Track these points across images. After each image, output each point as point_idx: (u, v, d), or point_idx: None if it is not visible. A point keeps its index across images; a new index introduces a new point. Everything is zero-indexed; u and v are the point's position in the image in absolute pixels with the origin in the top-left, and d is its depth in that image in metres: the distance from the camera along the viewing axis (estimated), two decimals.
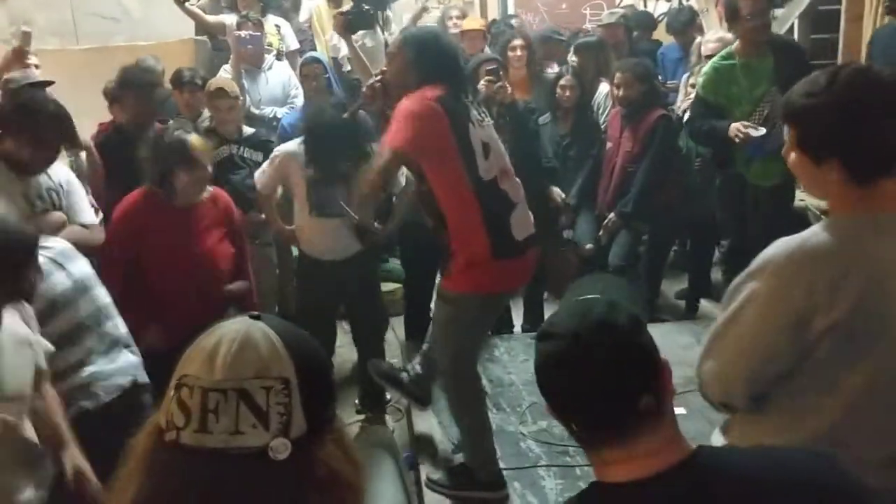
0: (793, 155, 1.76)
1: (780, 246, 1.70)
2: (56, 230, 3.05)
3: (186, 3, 5.49)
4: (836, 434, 1.67)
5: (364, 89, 3.15)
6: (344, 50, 5.56)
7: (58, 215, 3.15)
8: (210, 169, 3.45)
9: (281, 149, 3.92)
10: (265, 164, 3.95)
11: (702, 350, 1.81)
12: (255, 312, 1.10)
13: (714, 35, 4.95)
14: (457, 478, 3.20)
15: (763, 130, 4.07)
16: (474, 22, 5.73)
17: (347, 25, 3.78)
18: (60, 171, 3.25)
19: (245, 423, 1.00)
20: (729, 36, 4.72)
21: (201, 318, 3.05)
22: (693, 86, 4.66)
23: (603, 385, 1.21)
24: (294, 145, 3.86)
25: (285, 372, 1.03)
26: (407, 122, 2.78)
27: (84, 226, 3.24)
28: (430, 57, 2.90)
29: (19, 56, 4.18)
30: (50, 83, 3.89)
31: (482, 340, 3.39)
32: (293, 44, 5.65)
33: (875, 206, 1.67)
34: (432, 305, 4.01)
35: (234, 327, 1.06)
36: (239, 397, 1.01)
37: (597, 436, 1.25)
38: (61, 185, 3.20)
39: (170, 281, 3.35)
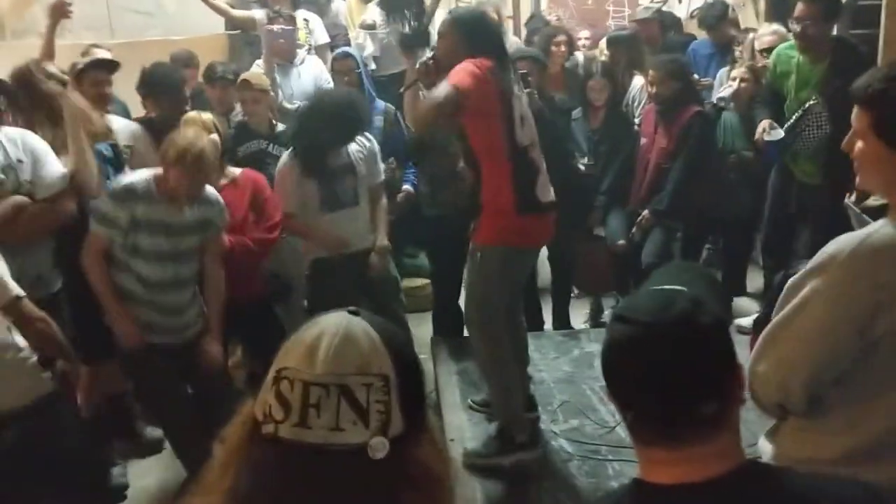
0: (860, 143, 1.70)
1: (843, 242, 1.65)
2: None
3: None
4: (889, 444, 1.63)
5: (417, 66, 3.29)
6: (369, 48, 5.55)
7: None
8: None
9: (280, 166, 3.97)
10: (278, 187, 3.95)
11: (756, 349, 1.75)
12: (353, 308, 1.08)
13: (769, 28, 4.89)
14: (494, 442, 3.27)
15: (780, 134, 4.11)
16: None
17: (406, 45, 3.74)
18: (23, 145, 3.20)
19: (345, 420, 1.00)
20: (783, 29, 4.67)
21: (237, 291, 3.53)
22: (734, 79, 4.59)
23: (667, 383, 1.15)
24: (286, 157, 3.95)
25: (385, 369, 1.02)
26: (466, 73, 2.99)
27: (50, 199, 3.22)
28: (478, 35, 3.14)
29: (61, 9, 4.19)
30: (115, 63, 3.99)
31: (513, 298, 3.42)
32: (322, 38, 5.63)
33: None
34: (461, 302, 4.00)
35: (335, 321, 1.05)
36: (340, 393, 1.00)
37: (649, 432, 1.20)
38: (20, 160, 3.16)
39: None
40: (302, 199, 3.90)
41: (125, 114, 4.66)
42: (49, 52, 4.06)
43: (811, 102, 4.06)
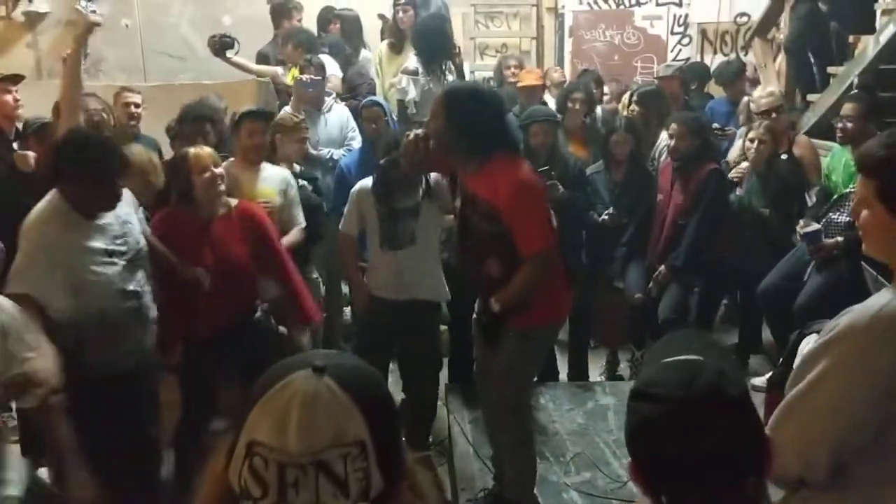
0: (865, 212, 1.71)
1: (859, 312, 1.64)
2: None
3: (231, 56, 5.66)
4: None
5: (406, 142, 3.17)
6: (412, 93, 5.66)
7: None
8: (219, 172, 3.55)
9: (357, 185, 4.00)
10: (347, 206, 4.01)
11: (772, 421, 1.70)
12: (320, 365, 1.04)
13: (765, 90, 4.96)
14: None
15: (816, 226, 4.22)
16: (531, 76, 5.77)
17: None
18: (122, 212, 3.21)
19: (325, 494, 0.98)
20: (778, 91, 4.77)
21: (228, 316, 3.49)
22: (752, 140, 4.64)
23: (708, 462, 1.08)
24: (369, 181, 3.94)
25: (360, 433, 1.00)
26: (539, 214, 2.96)
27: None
28: (466, 114, 2.93)
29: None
30: (271, 114, 4.27)
31: None
32: (334, 73, 5.75)
33: None
34: None
35: (302, 388, 1.01)
36: (317, 470, 0.98)
37: None
38: (127, 225, 3.19)
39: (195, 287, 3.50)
40: (365, 223, 3.94)
41: (157, 151, 4.80)
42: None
43: (848, 190, 4.17)
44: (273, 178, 4.18)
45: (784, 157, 4.78)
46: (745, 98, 5.37)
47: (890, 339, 1.59)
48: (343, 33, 6.37)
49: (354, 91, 5.89)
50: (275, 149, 4.42)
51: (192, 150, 3.56)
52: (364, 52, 6.37)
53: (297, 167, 4.56)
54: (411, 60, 5.74)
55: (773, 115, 4.81)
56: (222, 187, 3.56)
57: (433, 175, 3.81)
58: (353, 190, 4.00)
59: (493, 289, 3.06)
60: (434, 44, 5.58)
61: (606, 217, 4.70)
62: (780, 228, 4.66)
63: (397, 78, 5.79)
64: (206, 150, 3.61)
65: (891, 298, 1.64)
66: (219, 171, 3.55)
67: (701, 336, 1.34)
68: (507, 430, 3.27)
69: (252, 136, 4.11)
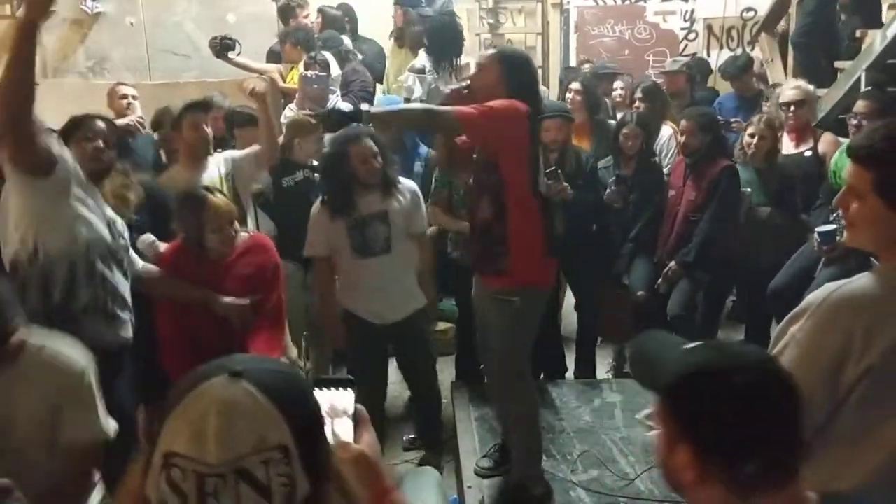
0: (856, 204, 1.70)
1: (821, 291, 1.68)
2: None
3: (234, 56, 5.65)
4: (881, 486, 1.62)
5: (450, 91, 3.35)
6: (418, 91, 5.64)
7: None
8: (236, 228, 3.39)
9: (312, 210, 3.82)
10: (309, 229, 3.81)
11: None
12: (238, 369, 1.00)
13: (792, 83, 4.91)
14: (510, 498, 3.31)
15: (832, 226, 4.14)
16: None
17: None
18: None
19: (248, 502, 0.95)
20: (809, 87, 4.72)
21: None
22: (752, 135, 4.59)
23: (790, 423, 1.17)
24: (318, 201, 3.82)
25: (282, 438, 0.97)
26: (496, 110, 3.00)
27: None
28: (520, 77, 3.14)
29: None
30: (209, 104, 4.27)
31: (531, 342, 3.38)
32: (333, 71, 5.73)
33: None
34: None
35: (218, 395, 0.98)
36: (238, 478, 0.95)
37: (768, 478, 1.15)
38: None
39: (201, 328, 3.31)
40: (332, 243, 3.75)
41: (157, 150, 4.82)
42: None
43: None
44: (212, 167, 3.96)
45: (808, 153, 4.75)
46: (777, 90, 5.30)
47: (841, 315, 1.61)
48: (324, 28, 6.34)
49: (347, 87, 5.86)
50: (290, 150, 4.41)
51: (210, 199, 3.28)
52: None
53: (314, 162, 4.53)
54: (420, 58, 5.72)
55: (793, 107, 4.75)
56: (235, 233, 3.38)
57: (406, 184, 3.86)
58: (312, 212, 3.80)
59: (485, 238, 3.19)
60: (445, 40, 5.56)
61: (611, 192, 4.61)
62: (785, 225, 4.62)
63: (403, 76, 5.78)
64: (223, 199, 3.37)
65: (860, 278, 1.66)
66: (236, 226, 3.36)
67: (673, 337, 1.38)
68: (511, 402, 3.32)
69: (196, 129, 3.90)
